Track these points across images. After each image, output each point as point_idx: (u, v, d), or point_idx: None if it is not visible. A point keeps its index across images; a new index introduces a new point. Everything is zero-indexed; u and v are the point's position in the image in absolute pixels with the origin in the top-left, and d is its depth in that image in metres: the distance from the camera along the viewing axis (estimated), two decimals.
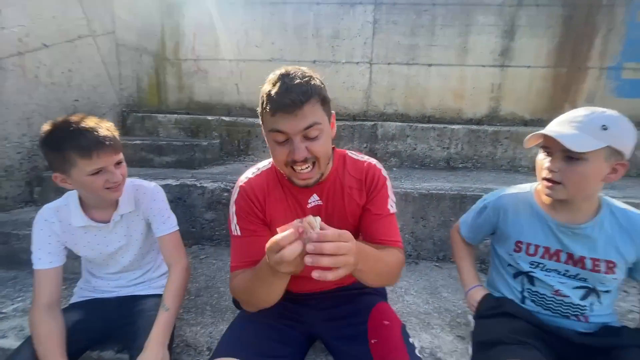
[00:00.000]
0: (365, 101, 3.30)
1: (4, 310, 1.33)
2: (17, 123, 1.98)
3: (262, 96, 0.79)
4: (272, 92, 0.75)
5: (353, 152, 1.01)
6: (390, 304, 1.05)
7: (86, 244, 1.10)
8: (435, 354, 1.15)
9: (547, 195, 0.89)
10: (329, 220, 0.89)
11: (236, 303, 1.17)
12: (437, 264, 1.86)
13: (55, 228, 1.05)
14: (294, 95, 0.72)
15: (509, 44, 3.09)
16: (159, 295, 1.16)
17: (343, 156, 0.98)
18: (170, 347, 1.02)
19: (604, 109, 0.83)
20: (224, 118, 2.91)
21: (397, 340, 0.84)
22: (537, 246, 0.96)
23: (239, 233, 0.91)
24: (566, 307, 0.95)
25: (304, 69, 0.80)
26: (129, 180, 1.15)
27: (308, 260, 0.59)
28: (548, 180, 0.86)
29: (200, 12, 3.27)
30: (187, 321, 1.29)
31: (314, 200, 0.94)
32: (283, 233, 0.61)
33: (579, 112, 0.84)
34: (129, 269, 1.19)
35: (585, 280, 0.92)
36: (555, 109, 3.07)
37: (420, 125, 2.75)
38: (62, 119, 0.95)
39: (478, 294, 1.06)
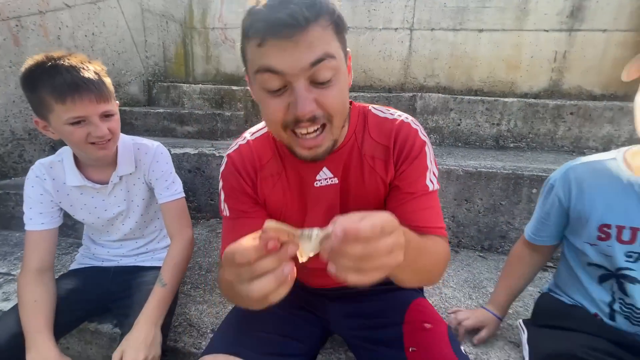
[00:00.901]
0: (403, 72, 2.98)
1: (13, 272, 1.29)
2: None
3: (245, 18, 0.53)
4: (260, 5, 0.49)
5: (379, 107, 0.73)
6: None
7: (83, 206, 0.99)
8: (479, 356, 0.94)
9: None
10: (346, 203, 0.70)
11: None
12: (481, 254, 1.60)
13: (47, 186, 0.94)
14: (293, 6, 0.46)
15: (582, 2, 2.60)
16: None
17: (364, 113, 0.71)
18: (167, 326, 0.89)
19: None
20: (249, 89, 2.74)
21: (444, 349, 0.63)
22: (634, 229, 0.68)
23: (227, 213, 0.71)
24: None
25: None
26: (129, 139, 1.01)
27: (332, 269, 0.37)
28: None
29: None
30: (193, 298, 1.17)
31: (324, 177, 0.69)
32: (242, 245, 0.39)
33: None
34: (131, 237, 1.07)
35: None
36: (634, 82, 2.57)
37: (466, 97, 2.41)
38: (43, 54, 0.81)
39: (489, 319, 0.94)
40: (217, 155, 1.83)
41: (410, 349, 0.64)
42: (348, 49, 0.60)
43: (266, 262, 0.37)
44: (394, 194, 0.68)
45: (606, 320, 0.74)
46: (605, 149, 2.23)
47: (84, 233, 1.13)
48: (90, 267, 1.06)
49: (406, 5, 2.86)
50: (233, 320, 0.75)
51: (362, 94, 2.54)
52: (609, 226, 0.71)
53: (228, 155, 0.72)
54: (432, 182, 0.67)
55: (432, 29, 2.86)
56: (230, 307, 1.10)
